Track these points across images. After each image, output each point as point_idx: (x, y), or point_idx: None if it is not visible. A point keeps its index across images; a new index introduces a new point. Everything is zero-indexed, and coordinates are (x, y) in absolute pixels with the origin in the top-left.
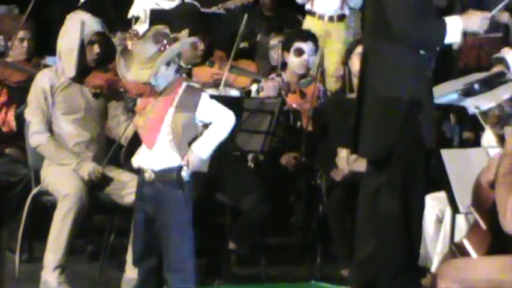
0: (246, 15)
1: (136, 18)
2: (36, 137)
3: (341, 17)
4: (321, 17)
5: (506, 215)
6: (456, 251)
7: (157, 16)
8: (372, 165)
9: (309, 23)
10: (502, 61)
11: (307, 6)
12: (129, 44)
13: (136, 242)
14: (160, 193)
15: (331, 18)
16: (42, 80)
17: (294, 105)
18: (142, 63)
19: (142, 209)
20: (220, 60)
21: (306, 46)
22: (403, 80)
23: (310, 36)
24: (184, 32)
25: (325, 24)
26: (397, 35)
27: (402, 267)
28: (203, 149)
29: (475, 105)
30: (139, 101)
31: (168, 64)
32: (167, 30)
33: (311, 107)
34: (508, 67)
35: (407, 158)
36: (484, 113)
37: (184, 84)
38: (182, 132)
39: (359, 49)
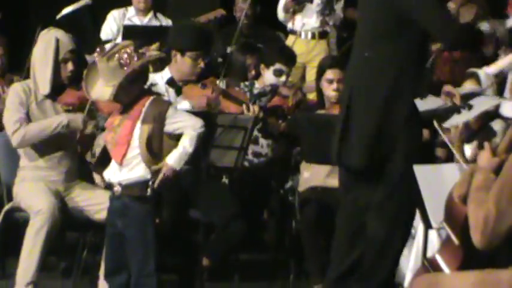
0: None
1: (106, 42)
2: (16, 134)
3: (323, 34)
4: (302, 35)
5: (477, 230)
6: (428, 266)
7: (130, 32)
8: (357, 176)
9: (291, 41)
10: (475, 75)
11: (289, 25)
12: (97, 60)
13: (107, 257)
14: (126, 207)
15: (312, 36)
16: (18, 89)
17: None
18: (105, 81)
19: (113, 223)
20: (212, 84)
21: (286, 69)
22: (403, 92)
23: (292, 60)
24: (155, 46)
25: (307, 42)
26: (450, 44)
27: (383, 280)
28: (177, 161)
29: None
30: None
31: (132, 81)
32: (132, 47)
33: (294, 104)
34: (479, 82)
35: (410, 174)
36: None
37: (151, 98)
38: (148, 144)
39: (328, 74)
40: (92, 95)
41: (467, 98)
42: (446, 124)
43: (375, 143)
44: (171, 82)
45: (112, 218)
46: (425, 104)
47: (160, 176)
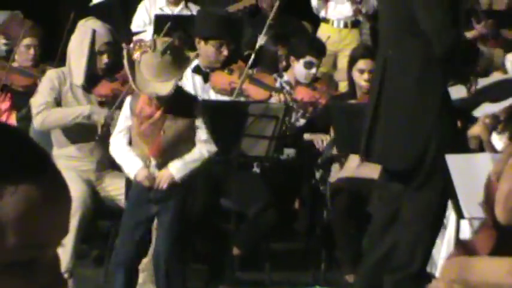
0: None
1: (137, 33)
2: (38, 116)
3: (355, 24)
4: (335, 24)
5: (498, 204)
6: (462, 248)
7: (161, 22)
8: (394, 172)
9: (323, 30)
10: (502, 67)
11: (322, 14)
12: (137, 55)
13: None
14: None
15: (345, 25)
16: (52, 75)
17: (305, 99)
18: (156, 76)
19: (143, 209)
20: (240, 70)
21: (317, 61)
22: (433, 88)
23: (322, 52)
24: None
25: (340, 31)
26: (442, 55)
27: (417, 271)
28: (178, 171)
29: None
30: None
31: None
32: (175, 42)
33: (325, 98)
34: (507, 72)
35: (443, 165)
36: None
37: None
38: (173, 140)
39: (360, 64)
40: (148, 91)
41: (498, 86)
42: (477, 113)
43: (412, 141)
44: (197, 69)
45: (144, 205)
46: (453, 92)
47: (161, 180)
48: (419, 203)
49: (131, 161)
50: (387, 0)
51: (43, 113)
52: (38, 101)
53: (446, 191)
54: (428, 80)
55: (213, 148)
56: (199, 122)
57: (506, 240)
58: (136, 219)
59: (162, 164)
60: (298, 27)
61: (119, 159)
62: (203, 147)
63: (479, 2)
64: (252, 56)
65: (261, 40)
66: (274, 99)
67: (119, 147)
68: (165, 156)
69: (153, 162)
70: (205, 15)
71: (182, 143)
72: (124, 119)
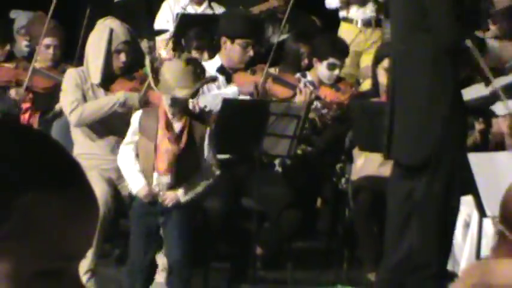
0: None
1: (159, 32)
2: (74, 113)
3: (379, 23)
4: (357, 23)
5: None
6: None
7: (185, 20)
8: (405, 168)
9: (345, 30)
10: None
11: (343, 14)
12: (162, 53)
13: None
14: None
15: (368, 23)
16: (74, 74)
17: (328, 99)
18: (181, 81)
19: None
20: (262, 71)
21: (340, 62)
22: (444, 84)
23: (345, 53)
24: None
25: (363, 30)
26: (446, 45)
27: (436, 270)
28: (184, 196)
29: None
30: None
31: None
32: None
33: (348, 98)
34: None
35: (451, 159)
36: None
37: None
38: (183, 160)
39: (386, 63)
40: (165, 93)
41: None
42: (498, 110)
43: (423, 137)
44: (221, 70)
45: (148, 218)
46: (475, 91)
47: (162, 199)
48: (429, 202)
49: (135, 177)
50: None
51: (78, 109)
52: (69, 98)
53: (455, 187)
54: (439, 74)
55: (217, 172)
56: (206, 145)
57: None
58: (142, 231)
59: (170, 182)
60: (309, 23)
61: (124, 171)
62: (210, 172)
63: (494, 3)
64: (271, 55)
65: (276, 38)
66: (299, 96)
67: (126, 159)
68: (173, 175)
69: (164, 178)
70: (233, 15)
71: (191, 164)
72: (132, 132)
